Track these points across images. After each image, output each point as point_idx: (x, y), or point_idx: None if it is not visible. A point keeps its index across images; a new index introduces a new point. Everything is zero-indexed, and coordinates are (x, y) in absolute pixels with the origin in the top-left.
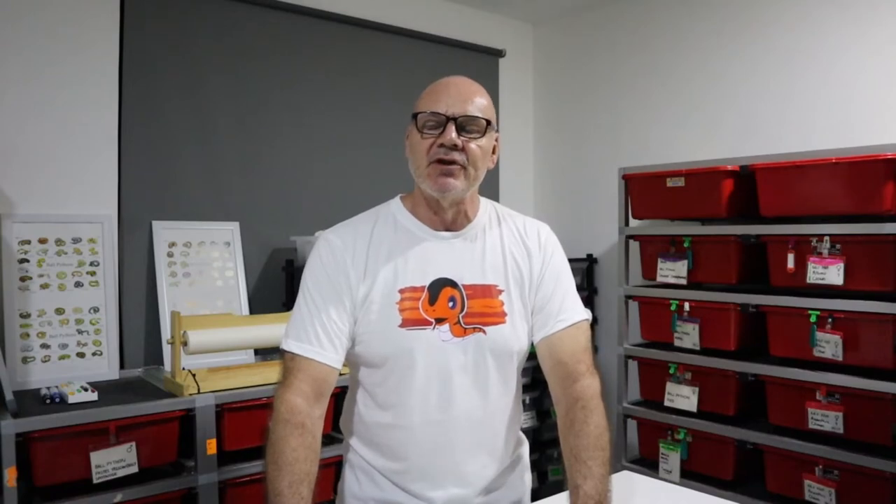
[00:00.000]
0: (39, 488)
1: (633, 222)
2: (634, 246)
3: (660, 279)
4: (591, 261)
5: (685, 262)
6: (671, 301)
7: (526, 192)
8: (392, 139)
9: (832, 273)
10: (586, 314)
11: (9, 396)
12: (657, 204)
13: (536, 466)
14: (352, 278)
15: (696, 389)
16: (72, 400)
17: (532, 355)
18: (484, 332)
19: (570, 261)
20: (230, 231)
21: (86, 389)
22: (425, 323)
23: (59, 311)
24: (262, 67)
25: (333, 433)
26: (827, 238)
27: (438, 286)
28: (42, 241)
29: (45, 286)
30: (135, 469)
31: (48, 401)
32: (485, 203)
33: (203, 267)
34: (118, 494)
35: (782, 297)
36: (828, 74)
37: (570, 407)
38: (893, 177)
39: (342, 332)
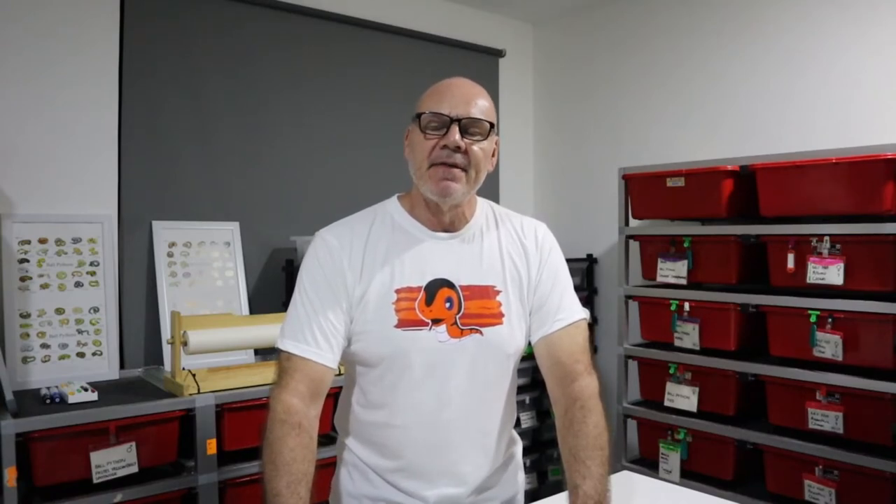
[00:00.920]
0: (39, 488)
1: (633, 222)
2: (634, 246)
3: (660, 279)
4: (590, 261)
5: (685, 262)
6: (671, 301)
7: (526, 192)
8: (392, 139)
9: (832, 273)
10: (584, 313)
11: (9, 396)
12: (657, 204)
13: (536, 466)
14: (348, 278)
15: (696, 389)
16: (72, 400)
17: (530, 355)
18: (481, 333)
19: (570, 261)
20: (230, 231)
21: (86, 389)
22: (421, 324)
23: (59, 311)
24: (262, 67)
25: (332, 433)
26: (827, 238)
27: (435, 287)
28: (42, 241)
29: (45, 286)
30: (135, 469)
31: (48, 401)
32: (482, 203)
33: (203, 267)
34: (118, 494)
35: (782, 297)
36: (828, 74)
37: (568, 407)
38: (893, 177)
39: (338, 332)
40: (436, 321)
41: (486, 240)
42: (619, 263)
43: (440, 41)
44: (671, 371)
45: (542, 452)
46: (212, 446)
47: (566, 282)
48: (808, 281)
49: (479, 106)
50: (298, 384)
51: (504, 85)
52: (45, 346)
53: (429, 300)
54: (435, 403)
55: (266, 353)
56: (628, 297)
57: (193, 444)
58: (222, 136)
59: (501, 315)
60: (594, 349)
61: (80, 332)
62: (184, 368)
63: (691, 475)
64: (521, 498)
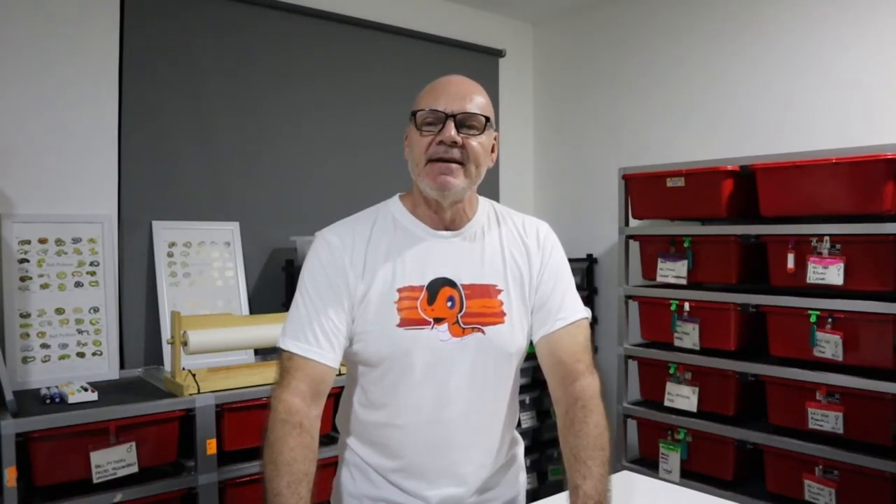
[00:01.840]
0: (39, 488)
1: (633, 222)
2: (634, 246)
3: (660, 279)
4: (591, 261)
5: (685, 262)
6: (671, 301)
7: (526, 192)
8: (392, 139)
9: (832, 273)
10: (586, 312)
11: (9, 396)
12: (657, 204)
13: (536, 466)
14: (350, 278)
15: (696, 389)
16: (72, 400)
17: (531, 355)
18: (482, 332)
19: (571, 261)
20: (230, 231)
21: (86, 389)
22: (423, 323)
23: (59, 311)
24: (262, 67)
25: (333, 433)
26: (827, 238)
27: (437, 286)
28: (42, 241)
29: (45, 286)
30: (135, 469)
31: (48, 401)
32: (483, 202)
33: (203, 267)
34: (118, 494)
35: (782, 297)
36: (828, 74)
37: (569, 406)
38: (893, 177)
39: (340, 331)
40: (437, 320)
41: (488, 238)
42: (619, 263)
43: (440, 41)
44: (671, 371)
45: (543, 452)
46: (212, 446)
47: (568, 281)
48: (808, 281)
49: (475, 101)
50: (300, 384)
51: (504, 85)
52: (45, 346)
53: (431, 299)
54: (436, 403)
55: (266, 353)
56: (628, 297)
57: (193, 444)
58: (222, 136)
59: (503, 314)
60: (594, 349)
61: (80, 332)
62: (184, 368)
63: (691, 475)
64: (522, 499)
